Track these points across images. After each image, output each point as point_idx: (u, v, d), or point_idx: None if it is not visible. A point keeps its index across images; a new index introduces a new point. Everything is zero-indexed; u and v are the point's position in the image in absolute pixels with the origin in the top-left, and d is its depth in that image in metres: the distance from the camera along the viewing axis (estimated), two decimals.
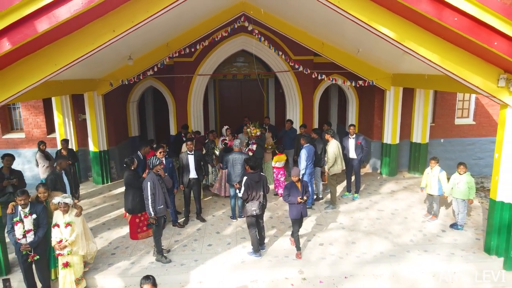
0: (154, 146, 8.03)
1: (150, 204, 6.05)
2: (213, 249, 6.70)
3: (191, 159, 7.51)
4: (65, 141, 9.00)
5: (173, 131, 11.99)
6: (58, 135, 10.20)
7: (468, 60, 5.47)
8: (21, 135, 10.75)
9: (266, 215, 7.89)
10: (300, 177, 7.76)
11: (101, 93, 10.06)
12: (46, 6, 4.41)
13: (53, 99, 10.01)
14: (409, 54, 5.76)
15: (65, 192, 6.64)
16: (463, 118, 11.57)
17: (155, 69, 9.52)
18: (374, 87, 10.62)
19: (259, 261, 6.28)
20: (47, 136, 10.68)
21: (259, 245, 6.45)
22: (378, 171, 11.36)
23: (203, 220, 7.85)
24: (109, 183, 10.66)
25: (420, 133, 10.70)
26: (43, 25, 4.52)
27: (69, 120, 10.26)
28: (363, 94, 12.05)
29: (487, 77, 5.51)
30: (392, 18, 5.33)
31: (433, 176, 7.57)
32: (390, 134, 10.61)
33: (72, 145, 10.26)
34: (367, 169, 11.69)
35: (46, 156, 8.57)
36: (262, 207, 6.26)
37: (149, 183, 6.10)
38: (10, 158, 6.98)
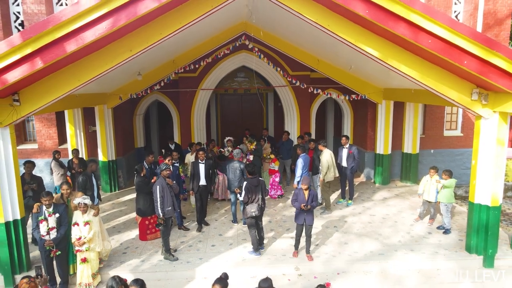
0: (169, 153, 8.64)
1: (159, 206, 6.65)
2: (216, 249, 7.26)
3: (201, 167, 8.07)
4: (76, 151, 9.62)
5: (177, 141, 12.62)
6: (70, 145, 10.84)
7: (444, 76, 6.15)
8: (34, 146, 11.38)
9: (266, 220, 8.48)
10: (297, 185, 8.42)
11: (111, 106, 10.74)
12: (75, 30, 5.10)
13: (66, 111, 10.69)
14: (393, 71, 6.44)
15: (93, 191, 7.31)
16: (451, 130, 12.22)
17: (162, 83, 10.20)
18: (367, 101, 11.30)
19: (259, 259, 6.84)
20: (59, 147, 11.30)
21: (258, 245, 7.01)
22: (372, 180, 11.96)
23: (206, 224, 8.40)
24: (117, 191, 11.25)
25: (410, 144, 11.32)
26: (71, 46, 5.20)
27: (80, 132, 10.92)
28: (357, 107, 12.75)
29: (462, 91, 6.19)
30: (376, 40, 6.03)
31: (431, 184, 8.10)
32: (383, 145, 11.24)
33: (82, 154, 10.89)
34: (362, 178, 12.29)
35: (61, 164, 9.18)
36: (261, 209, 6.84)
37: (158, 186, 6.71)
38: (30, 165, 7.59)
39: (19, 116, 5.91)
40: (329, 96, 10.89)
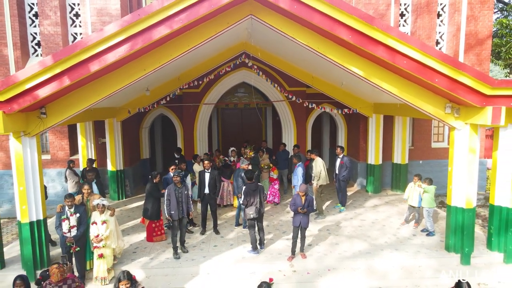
0: (176, 162, 9.41)
1: (165, 207, 7.42)
2: (218, 249, 7.94)
3: (207, 176, 8.73)
4: (90, 160, 10.39)
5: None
6: (81, 156, 11.59)
7: (421, 92, 6.96)
8: (47, 157, 12.11)
9: (264, 224, 9.10)
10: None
11: (120, 120, 11.54)
12: (98, 53, 5.92)
13: (78, 124, 11.49)
14: (376, 88, 7.25)
15: None
16: (438, 142, 13.00)
17: (168, 98, 11.00)
18: (359, 115, 12.10)
19: (257, 257, 7.53)
20: (70, 158, 12.04)
21: (257, 244, 7.70)
22: (365, 189, 12.66)
23: (217, 233, 8.83)
24: (124, 199, 11.96)
25: (400, 155, 12.07)
26: (94, 66, 6.02)
27: (91, 143, 11.70)
28: (350, 120, 13.57)
29: (437, 105, 6.99)
30: (360, 60, 6.86)
31: (415, 191, 8.85)
32: (374, 155, 11.99)
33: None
34: (355, 187, 13.00)
35: (74, 173, 9.92)
36: (259, 212, 7.54)
37: (166, 191, 7.48)
38: None
39: (45, 127, 6.70)
40: (323, 110, 11.70)
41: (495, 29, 15.91)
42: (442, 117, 7.04)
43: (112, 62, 6.08)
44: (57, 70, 5.91)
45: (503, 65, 14.38)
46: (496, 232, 7.37)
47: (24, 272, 6.93)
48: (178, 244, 7.62)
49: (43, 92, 6.04)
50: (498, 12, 22.35)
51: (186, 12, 5.95)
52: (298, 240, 7.53)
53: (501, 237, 7.33)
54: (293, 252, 7.51)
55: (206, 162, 8.80)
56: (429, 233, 8.46)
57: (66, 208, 6.51)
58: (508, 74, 14.16)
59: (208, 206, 8.86)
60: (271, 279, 4.91)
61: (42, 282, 5.14)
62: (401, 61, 6.26)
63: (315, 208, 9.97)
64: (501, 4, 21.82)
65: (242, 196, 7.57)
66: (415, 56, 6.16)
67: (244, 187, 7.60)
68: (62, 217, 6.48)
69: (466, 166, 7.05)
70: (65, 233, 6.47)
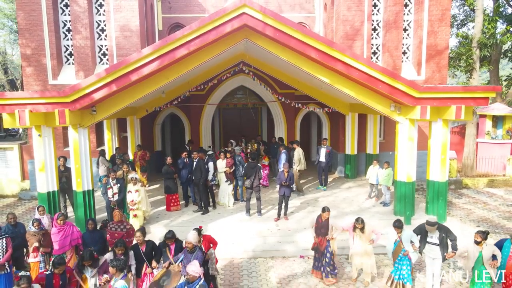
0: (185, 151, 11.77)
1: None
2: (222, 215, 10.34)
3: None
4: (118, 149, 12.79)
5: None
6: (107, 147, 13.98)
7: (372, 95, 9.35)
8: None
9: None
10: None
11: (139, 117, 13.93)
12: (137, 67, 8.30)
13: (104, 121, 13.87)
14: (340, 91, 9.63)
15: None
16: None
17: (179, 99, 13.37)
18: (338, 113, 14.48)
19: (251, 220, 9.93)
20: (97, 149, 14.41)
21: (249, 209, 10.13)
22: (343, 175, 15.06)
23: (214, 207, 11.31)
24: None
25: (372, 147, 14.46)
26: (133, 77, 8.40)
27: (115, 137, 14.08)
28: (332, 118, 15.96)
29: (384, 105, 9.38)
30: (327, 71, 9.24)
31: (373, 172, 11.29)
32: (350, 147, 14.39)
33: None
34: (336, 174, 15.39)
35: (106, 160, 12.31)
36: (252, 184, 9.93)
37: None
38: (64, 159, 10.46)
39: (94, 121, 9.08)
40: (308, 109, 14.06)
41: (460, 39, 18.22)
42: (389, 114, 9.43)
43: (146, 74, 8.46)
44: (108, 80, 8.30)
45: (465, 71, 16.77)
46: (431, 200, 9.76)
47: None
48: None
49: (97, 95, 8.43)
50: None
51: (200, 38, 8.34)
52: (283, 207, 9.94)
53: (434, 203, 9.72)
54: (278, 214, 9.92)
55: (195, 153, 11.03)
56: (385, 204, 10.87)
57: (110, 180, 8.91)
58: (468, 79, 16.53)
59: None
60: (200, 226, 7.04)
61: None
62: (354, 72, 8.65)
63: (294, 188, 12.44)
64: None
65: (244, 171, 10.09)
66: (364, 69, 8.55)
67: (246, 164, 10.09)
68: (107, 186, 8.88)
69: (407, 150, 9.44)
70: (110, 198, 8.87)
